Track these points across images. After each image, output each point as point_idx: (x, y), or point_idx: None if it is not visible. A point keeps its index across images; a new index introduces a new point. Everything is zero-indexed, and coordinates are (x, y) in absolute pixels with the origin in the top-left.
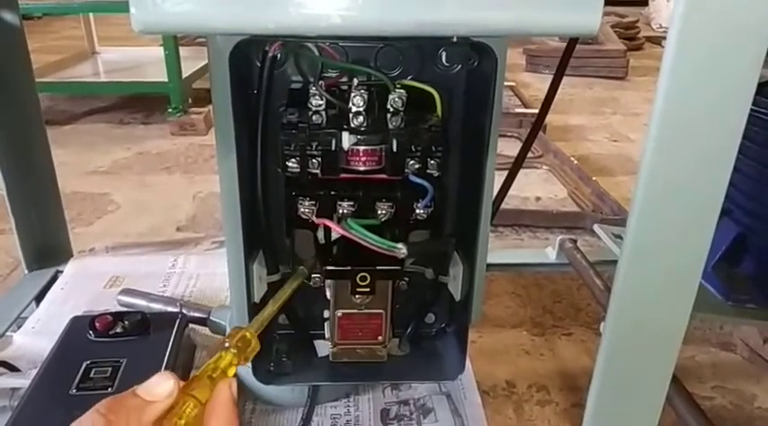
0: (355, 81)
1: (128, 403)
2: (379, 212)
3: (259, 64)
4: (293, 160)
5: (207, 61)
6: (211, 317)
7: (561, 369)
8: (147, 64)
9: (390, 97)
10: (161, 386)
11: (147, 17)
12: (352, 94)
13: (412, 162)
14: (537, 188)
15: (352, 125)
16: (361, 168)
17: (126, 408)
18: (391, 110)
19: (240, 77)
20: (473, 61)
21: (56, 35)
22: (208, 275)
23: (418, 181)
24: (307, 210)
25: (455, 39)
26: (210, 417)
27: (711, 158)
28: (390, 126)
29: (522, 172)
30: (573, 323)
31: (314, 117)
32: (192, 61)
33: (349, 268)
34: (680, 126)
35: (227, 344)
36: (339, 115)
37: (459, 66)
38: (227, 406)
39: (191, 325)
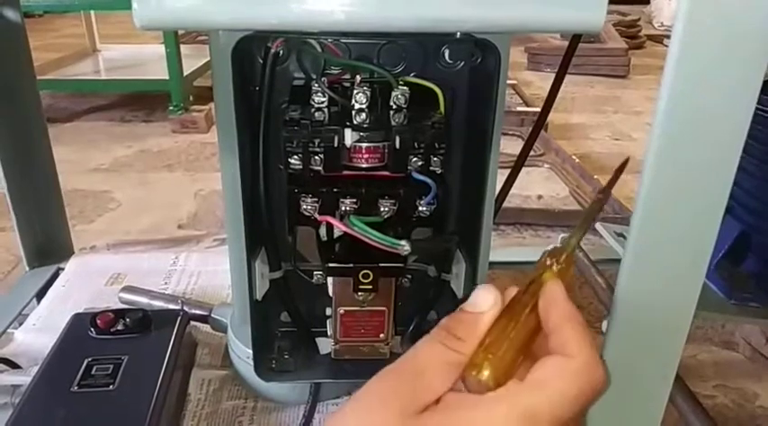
0: (358, 78)
1: (462, 318)
2: (382, 209)
3: (261, 60)
4: (295, 157)
5: (208, 59)
6: (213, 315)
7: None
8: (149, 61)
9: (393, 94)
10: (484, 298)
11: (148, 13)
12: (355, 91)
13: (415, 159)
14: (539, 186)
15: (355, 122)
16: (364, 165)
17: (461, 323)
18: (394, 107)
19: (242, 74)
20: (476, 58)
21: (57, 33)
22: (209, 272)
23: (421, 178)
24: (309, 207)
25: (458, 36)
26: (549, 310)
27: (716, 157)
28: (393, 123)
29: (523, 170)
30: None
31: (316, 114)
32: (193, 59)
33: (351, 265)
34: (684, 124)
35: (548, 262)
36: (341, 112)
37: (462, 63)
38: (562, 300)
39: (192, 323)
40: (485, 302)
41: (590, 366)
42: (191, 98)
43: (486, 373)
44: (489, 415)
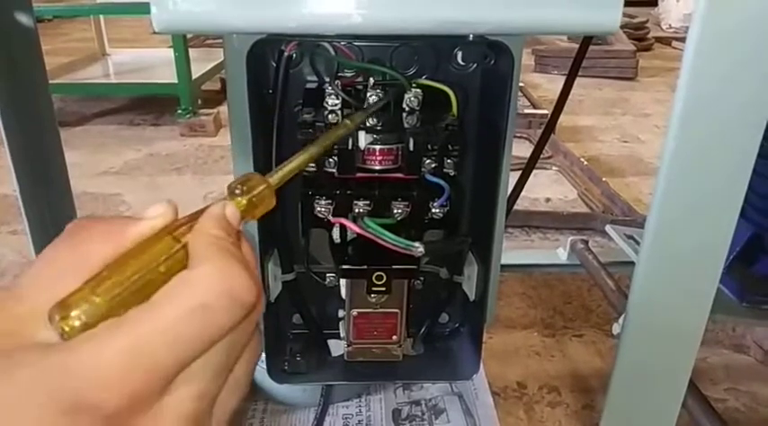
0: (371, 80)
1: (107, 219)
2: (395, 211)
3: (275, 64)
4: None
5: (216, 63)
6: None
7: (572, 371)
8: (157, 65)
9: (406, 96)
10: (153, 208)
11: (167, 16)
12: (368, 94)
13: (428, 161)
14: (547, 189)
15: (368, 124)
16: (378, 167)
17: (101, 222)
18: (407, 109)
19: (256, 77)
20: (489, 60)
21: (66, 37)
22: None
23: (434, 180)
24: (323, 209)
25: (471, 38)
26: (194, 238)
27: (731, 161)
28: (406, 125)
29: (531, 172)
30: (584, 324)
31: (330, 116)
32: (201, 63)
33: (365, 267)
34: (699, 129)
35: (237, 191)
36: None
37: (475, 65)
38: (213, 227)
39: None
40: (151, 212)
41: (216, 271)
42: (199, 101)
43: (73, 323)
44: (81, 359)
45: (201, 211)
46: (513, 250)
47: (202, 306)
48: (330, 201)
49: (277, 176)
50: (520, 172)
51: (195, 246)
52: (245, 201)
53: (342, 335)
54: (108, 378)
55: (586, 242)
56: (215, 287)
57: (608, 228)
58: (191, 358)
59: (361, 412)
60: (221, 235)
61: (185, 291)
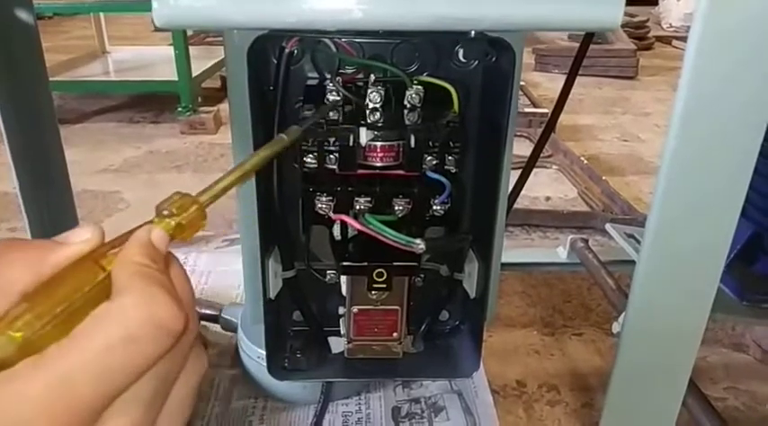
0: (372, 77)
1: (28, 243)
2: (396, 208)
3: (275, 60)
4: (310, 156)
5: (216, 60)
6: (223, 314)
7: (572, 369)
8: (157, 63)
9: (407, 93)
10: (77, 233)
11: (168, 12)
12: (369, 90)
13: (429, 158)
14: (547, 187)
15: (369, 121)
16: (379, 164)
17: (21, 248)
18: (408, 106)
19: (257, 74)
20: (491, 57)
21: (66, 35)
22: (219, 272)
23: (435, 177)
24: (324, 206)
25: (473, 35)
26: (117, 266)
27: (732, 160)
28: (407, 122)
29: (532, 171)
30: (583, 323)
31: (331, 113)
32: (201, 60)
33: (366, 264)
34: (700, 127)
35: (166, 212)
36: (356, 111)
37: (477, 62)
38: (137, 253)
39: (202, 322)
40: (75, 237)
41: (140, 301)
42: (199, 99)
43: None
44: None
45: (130, 233)
46: (513, 248)
47: (126, 337)
48: (331, 198)
49: (208, 196)
50: (520, 170)
51: (118, 276)
52: (173, 224)
53: (342, 332)
54: (30, 419)
55: (586, 240)
56: (139, 317)
57: (608, 227)
58: (117, 391)
59: (360, 409)
60: (146, 262)
61: (108, 323)
